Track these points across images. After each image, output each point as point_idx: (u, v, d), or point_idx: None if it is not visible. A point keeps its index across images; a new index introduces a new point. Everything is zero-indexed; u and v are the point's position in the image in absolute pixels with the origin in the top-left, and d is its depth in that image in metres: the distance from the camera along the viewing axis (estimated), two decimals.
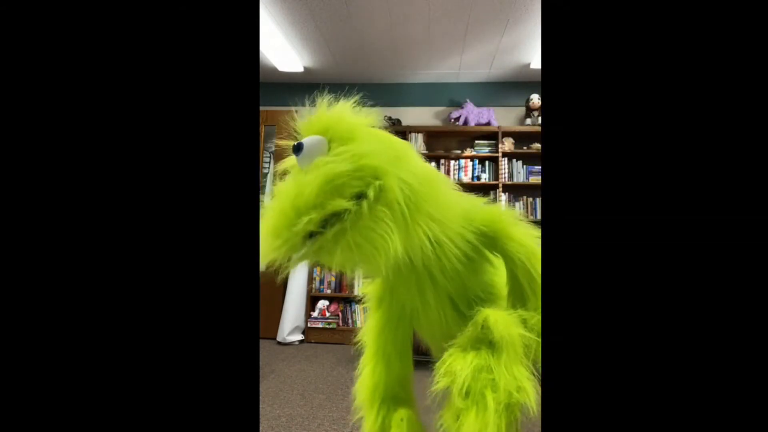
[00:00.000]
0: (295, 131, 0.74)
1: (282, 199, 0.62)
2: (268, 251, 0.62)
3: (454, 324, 0.80)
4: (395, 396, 0.90)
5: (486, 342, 0.71)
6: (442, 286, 0.78)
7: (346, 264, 0.68)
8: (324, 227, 0.61)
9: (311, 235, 0.61)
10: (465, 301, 0.80)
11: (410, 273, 0.73)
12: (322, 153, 0.65)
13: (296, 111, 0.78)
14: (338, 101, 0.75)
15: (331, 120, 0.69)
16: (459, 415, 0.69)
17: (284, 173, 0.74)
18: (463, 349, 0.72)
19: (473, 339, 0.72)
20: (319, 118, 0.71)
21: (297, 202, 0.60)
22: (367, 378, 0.91)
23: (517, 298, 0.80)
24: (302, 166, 0.65)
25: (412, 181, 0.66)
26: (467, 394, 0.68)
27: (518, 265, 0.77)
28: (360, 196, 0.62)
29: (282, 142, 0.77)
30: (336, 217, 0.61)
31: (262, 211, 0.65)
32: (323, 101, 0.75)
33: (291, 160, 0.73)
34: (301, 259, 0.65)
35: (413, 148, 0.78)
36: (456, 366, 0.70)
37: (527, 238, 0.79)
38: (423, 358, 1.02)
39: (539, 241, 0.80)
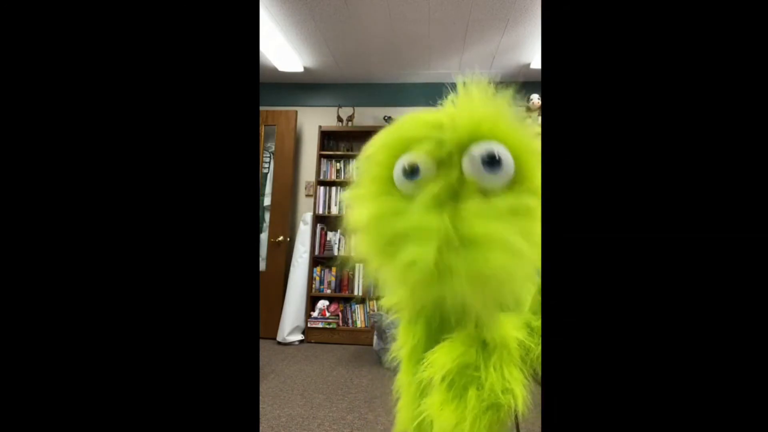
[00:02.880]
0: (438, 125, 0.59)
1: (499, 244, 0.50)
2: (443, 296, 0.52)
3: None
4: None
5: (479, 341, 0.70)
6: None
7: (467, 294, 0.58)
8: None
9: None
10: (515, 304, 0.77)
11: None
12: (508, 178, 0.53)
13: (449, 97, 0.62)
14: (482, 90, 0.60)
15: (515, 133, 0.57)
16: (440, 406, 0.68)
17: (405, 168, 0.58)
18: (453, 344, 0.72)
19: (466, 336, 0.72)
20: (491, 121, 0.57)
21: (529, 267, 0.50)
22: (412, 401, 0.79)
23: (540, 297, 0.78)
24: (484, 183, 0.53)
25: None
26: (450, 386, 0.68)
27: None
28: None
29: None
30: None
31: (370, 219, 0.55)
32: (476, 87, 0.60)
33: (418, 144, 0.58)
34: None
35: None
36: (441, 358, 0.70)
37: None
38: None
39: None
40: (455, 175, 0.56)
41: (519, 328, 0.72)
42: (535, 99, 3.55)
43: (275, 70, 3.62)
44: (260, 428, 1.74)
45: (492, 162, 0.53)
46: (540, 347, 0.71)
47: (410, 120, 0.64)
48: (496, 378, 0.66)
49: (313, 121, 3.85)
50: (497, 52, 3.26)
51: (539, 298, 0.79)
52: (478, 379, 0.67)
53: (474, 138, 0.57)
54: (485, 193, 0.54)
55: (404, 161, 0.59)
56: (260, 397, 2.11)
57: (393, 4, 2.65)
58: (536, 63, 3.36)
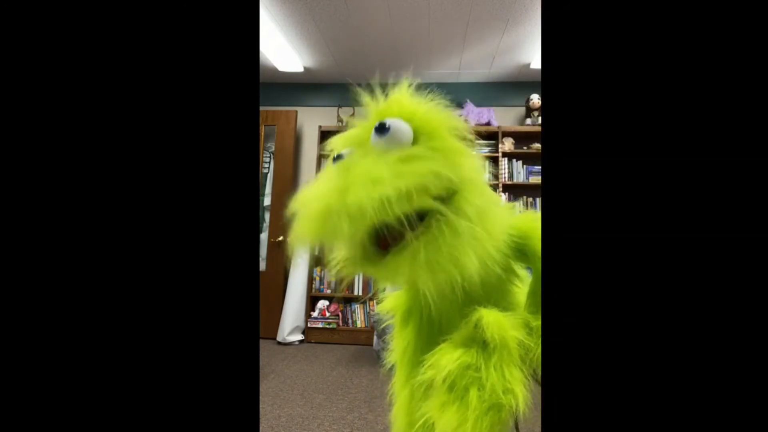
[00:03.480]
0: (365, 109, 0.68)
1: (373, 178, 0.56)
2: (335, 227, 0.56)
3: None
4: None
5: (479, 341, 0.70)
6: (477, 299, 0.76)
7: (407, 277, 0.64)
8: (403, 229, 0.56)
9: (381, 245, 0.58)
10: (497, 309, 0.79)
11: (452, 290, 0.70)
12: (408, 139, 0.61)
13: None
14: (405, 86, 0.70)
15: (414, 108, 0.65)
16: (442, 408, 0.68)
17: (333, 154, 0.68)
18: (454, 345, 0.72)
19: (466, 337, 0.72)
20: (399, 103, 0.67)
21: (392, 187, 0.54)
22: (405, 404, 0.84)
23: (535, 298, 0.79)
24: (379, 147, 0.61)
25: (485, 198, 0.64)
26: (451, 388, 0.68)
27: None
28: (440, 199, 0.59)
29: (349, 119, 0.72)
30: (417, 219, 0.57)
31: (306, 196, 0.61)
32: (405, 84, 0.70)
33: (348, 138, 0.68)
34: (364, 269, 0.61)
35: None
36: (442, 360, 0.70)
37: None
38: None
39: None
40: (366, 149, 0.64)
41: (518, 327, 0.72)
42: (535, 99, 3.56)
43: (275, 70, 3.62)
44: (260, 428, 1.74)
45: (380, 129, 0.61)
46: (539, 347, 0.71)
47: (351, 128, 0.72)
48: (497, 378, 0.66)
49: (313, 121, 3.85)
50: (497, 52, 3.26)
51: (535, 298, 0.80)
52: (479, 380, 0.67)
53: (381, 118, 0.65)
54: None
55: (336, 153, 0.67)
56: (260, 397, 2.11)
57: (393, 4, 2.65)
58: (536, 63, 3.36)
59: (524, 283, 0.85)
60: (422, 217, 0.61)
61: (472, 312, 0.72)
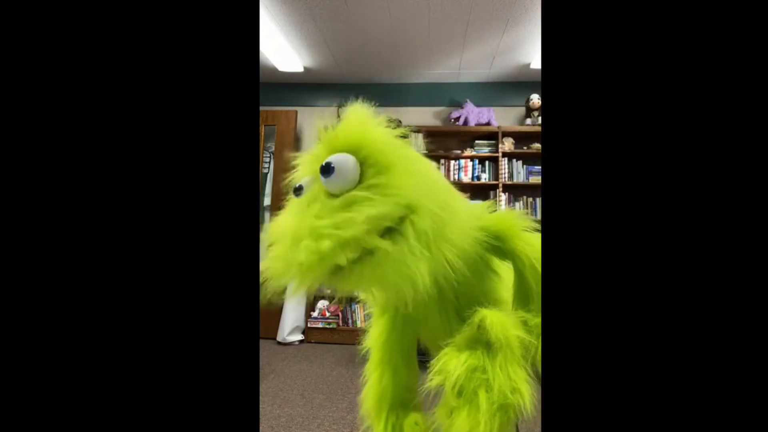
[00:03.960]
0: (318, 141, 0.70)
1: (313, 230, 0.59)
2: (291, 280, 0.61)
3: (456, 331, 0.81)
4: (403, 401, 0.90)
5: (482, 342, 0.71)
6: (448, 298, 0.79)
7: (368, 292, 0.67)
8: (354, 262, 0.59)
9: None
10: (469, 308, 0.81)
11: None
12: (354, 177, 0.62)
13: (324, 122, 0.73)
14: (360, 107, 0.71)
15: (362, 138, 0.66)
16: (452, 413, 0.69)
17: (293, 187, 0.70)
18: (458, 348, 0.73)
19: (469, 339, 0.73)
20: (347, 133, 0.67)
21: (337, 240, 0.57)
22: (374, 386, 0.91)
23: (522, 297, 0.81)
24: (330, 188, 0.63)
25: (440, 210, 0.65)
26: (460, 392, 0.68)
27: (526, 264, 0.78)
28: (390, 229, 0.61)
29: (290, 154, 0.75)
30: (369, 253, 0.60)
31: (275, 233, 0.64)
32: (352, 110, 0.70)
33: (308, 170, 0.70)
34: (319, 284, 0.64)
35: (435, 166, 0.77)
36: (450, 364, 0.70)
37: (535, 240, 0.80)
38: (422, 358, 1.03)
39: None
40: (318, 186, 0.66)
41: (518, 326, 0.72)
42: (535, 99, 3.55)
43: (275, 70, 3.62)
44: (260, 428, 1.74)
45: (325, 170, 0.62)
46: (538, 344, 0.71)
47: (309, 155, 0.73)
48: (503, 378, 0.67)
49: (313, 121, 3.84)
50: (497, 52, 3.26)
51: (521, 296, 0.80)
52: (487, 382, 0.67)
53: (332, 149, 0.66)
54: (337, 196, 0.63)
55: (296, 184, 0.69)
56: (260, 397, 2.11)
57: (393, 4, 2.65)
58: (536, 63, 3.36)
59: (499, 276, 0.88)
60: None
61: (473, 313, 0.73)
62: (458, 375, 0.68)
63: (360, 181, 0.63)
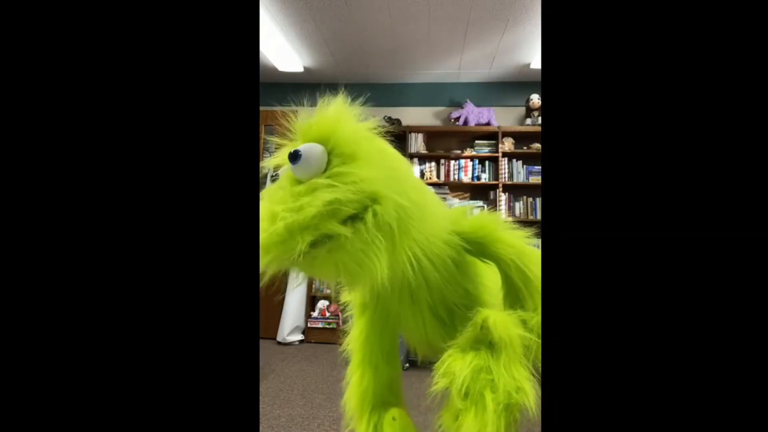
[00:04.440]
0: (291, 132, 0.72)
1: (273, 215, 0.61)
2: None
3: (432, 331, 0.82)
4: (385, 401, 0.90)
5: (485, 343, 0.71)
6: (422, 298, 0.79)
7: (330, 278, 0.69)
8: (314, 245, 0.61)
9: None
10: (445, 309, 0.82)
11: (390, 286, 0.73)
12: (320, 164, 0.64)
13: (295, 111, 0.77)
14: (339, 102, 0.73)
15: (333, 129, 0.67)
16: (458, 416, 0.69)
17: (276, 169, 0.73)
18: (462, 349, 0.72)
19: (472, 340, 0.73)
20: (320, 124, 0.69)
21: (291, 223, 0.59)
22: (355, 386, 0.91)
23: (513, 299, 0.81)
24: (297, 175, 0.65)
25: (406, 204, 0.66)
26: (466, 394, 0.68)
27: (510, 266, 0.79)
28: (354, 218, 0.62)
29: (275, 140, 0.76)
30: (328, 237, 0.61)
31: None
32: (324, 104, 0.72)
33: (283, 158, 0.71)
34: (288, 268, 0.65)
35: (407, 163, 0.79)
36: (455, 366, 0.70)
37: (515, 239, 0.81)
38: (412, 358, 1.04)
39: (528, 240, 0.84)
40: (287, 174, 0.68)
41: (518, 325, 0.72)
42: (535, 99, 3.55)
43: (275, 70, 3.62)
44: (260, 428, 1.74)
45: (292, 157, 0.64)
46: (537, 342, 0.71)
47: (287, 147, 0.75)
48: (508, 378, 0.67)
49: None
50: (497, 52, 3.26)
51: (510, 298, 0.80)
52: (492, 382, 0.67)
53: (305, 139, 0.68)
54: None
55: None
56: (260, 397, 2.11)
57: (393, 4, 2.65)
58: (536, 63, 3.36)
59: (479, 276, 0.88)
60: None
61: (476, 313, 0.73)
62: (464, 377, 0.68)
63: (325, 170, 0.64)
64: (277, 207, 0.62)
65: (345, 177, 0.63)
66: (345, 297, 0.99)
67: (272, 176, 0.75)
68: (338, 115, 0.70)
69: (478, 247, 0.81)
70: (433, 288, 0.77)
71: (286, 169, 0.68)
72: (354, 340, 0.94)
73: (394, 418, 0.86)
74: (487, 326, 0.70)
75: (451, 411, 0.70)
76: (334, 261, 0.63)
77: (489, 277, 0.88)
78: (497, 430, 0.65)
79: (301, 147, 0.64)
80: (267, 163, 0.76)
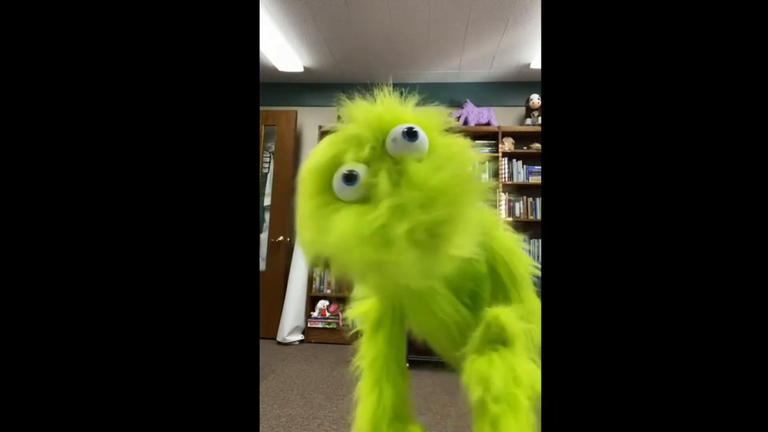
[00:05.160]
0: (353, 118, 0.67)
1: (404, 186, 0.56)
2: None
3: (464, 321, 0.80)
4: (398, 415, 0.89)
5: (500, 341, 0.71)
6: (459, 287, 0.79)
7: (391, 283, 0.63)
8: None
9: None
10: (467, 294, 0.81)
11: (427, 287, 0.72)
12: (424, 150, 0.62)
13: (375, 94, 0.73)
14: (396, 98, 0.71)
15: (432, 123, 0.66)
16: (494, 422, 0.67)
17: (343, 174, 0.62)
18: (479, 352, 0.72)
19: (486, 339, 0.73)
20: (415, 114, 0.67)
21: (426, 192, 0.55)
22: (372, 406, 0.88)
23: (499, 291, 0.82)
24: (411, 152, 0.61)
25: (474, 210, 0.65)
26: (497, 399, 0.67)
27: (498, 261, 0.80)
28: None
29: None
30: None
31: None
32: (409, 96, 0.70)
33: (351, 152, 0.63)
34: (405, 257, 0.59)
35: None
36: (487, 372, 0.69)
37: (508, 240, 0.83)
38: (420, 358, 1.03)
39: (518, 243, 0.85)
40: (385, 162, 0.62)
41: (521, 318, 0.73)
42: (535, 99, 3.55)
43: (275, 70, 3.62)
44: (260, 428, 1.74)
45: (411, 133, 0.60)
46: (537, 332, 0.72)
47: (327, 142, 0.68)
48: (527, 372, 0.68)
49: (313, 121, 3.85)
50: (497, 52, 3.26)
51: (498, 294, 0.80)
52: (517, 380, 0.68)
53: (388, 125, 0.64)
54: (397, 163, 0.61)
55: (341, 173, 0.62)
56: (260, 397, 2.11)
57: (393, 4, 2.65)
58: (536, 63, 3.36)
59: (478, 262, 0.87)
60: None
61: (485, 314, 0.73)
62: (498, 381, 0.67)
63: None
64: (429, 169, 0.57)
65: (448, 166, 0.60)
66: (351, 312, 0.94)
67: (348, 176, 0.58)
68: (402, 103, 0.69)
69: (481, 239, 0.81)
70: (461, 278, 0.77)
71: (363, 170, 0.61)
72: (368, 360, 0.91)
73: None
74: (501, 324, 0.70)
75: (487, 417, 0.68)
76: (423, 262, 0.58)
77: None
78: (534, 427, 0.66)
79: (412, 125, 0.62)
80: (346, 168, 0.63)
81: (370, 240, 0.55)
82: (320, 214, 0.61)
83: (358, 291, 0.86)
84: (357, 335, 0.97)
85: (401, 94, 0.72)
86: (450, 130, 0.70)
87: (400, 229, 0.55)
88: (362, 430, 0.89)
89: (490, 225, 0.82)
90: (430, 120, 0.67)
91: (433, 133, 0.65)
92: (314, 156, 0.67)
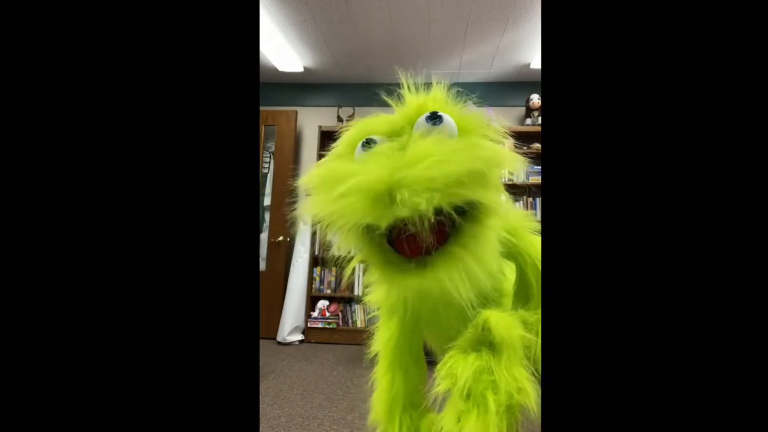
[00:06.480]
0: (396, 104, 0.70)
1: (432, 156, 0.55)
2: (390, 212, 0.54)
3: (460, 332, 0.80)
4: (413, 402, 0.89)
5: (486, 343, 0.71)
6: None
7: (443, 291, 0.62)
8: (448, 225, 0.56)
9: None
10: (482, 298, 0.81)
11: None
12: (452, 135, 0.62)
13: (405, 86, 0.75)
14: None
15: (460, 111, 0.67)
16: (460, 417, 0.69)
17: (360, 138, 0.66)
18: (463, 350, 0.72)
19: (474, 341, 0.72)
20: (440, 100, 0.68)
21: (455, 167, 0.54)
22: (385, 390, 0.89)
23: (522, 295, 0.82)
24: (421, 131, 0.62)
25: (501, 210, 0.66)
26: (468, 395, 0.68)
27: (528, 263, 0.79)
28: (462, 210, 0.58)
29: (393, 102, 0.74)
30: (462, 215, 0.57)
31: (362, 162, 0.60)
32: (437, 84, 0.72)
33: (377, 126, 0.68)
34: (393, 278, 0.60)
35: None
36: (457, 368, 0.70)
37: (537, 240, 0.81)
38: (429, 358, 1.02)
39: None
40: (405, 138, 0.64)
41: (519, 325, 0.72)
42: (535, 99, 3.55)
43: (275, 70, 3.61)
44: (260, 428, 1.74)
45: (434, 117, 0.62)
46: (538, 343, 0.71)
47: (370, 119, 0.72)
48: (509, 379, 0.67)
49: (313, 121, 3.85)
50: (497, 52, 3.26)
51: (521, 294, 0.80)
52: (494, 383, 0.67)
53: (421, 112, 0.66)
54: None
55: (363, 139, 0.65)
56: (260, 397, 2.11)
57: (393, 4, 2.64)
58: (536, 63, 3.36)
59: (504, 275, 0.88)
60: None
61: (475, 314, 0.73)
62: (466, 378, 0.68)
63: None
64: (441, 148, 0.57)
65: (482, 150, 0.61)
66: (370, 297, 0.95)
67: (366, 141, 0.68)
68: (446, 96, 0.70)
69: (508, 242, 0.80)
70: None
71: (382, 140, 0.64)
72: (382, 343, 0.92)
73: (434, 423, 0.85)
74: (488, 327, 0.70)
75: (453, 412, 0.70)
76: (465, 265, 0.59)
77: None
78: (499, 431, 0.65)
79: (438, 111, 0.63)
80: (360, 128, 0.70)
81: (366, 192, 0.55)
82: (334, 166, 0.63)
83: (369, 276, 0.86)
84: (372, 320, 0.98)
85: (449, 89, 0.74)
86: (496, 134, 0.69)
87: (390, 181, 0.54)
88: (377, 414, 0.90)
89: (519, 226, 0.81)
90: (472, 121, 0.67)
91: (472, 134, 0.65)
92: (350, 128, 0.71)
